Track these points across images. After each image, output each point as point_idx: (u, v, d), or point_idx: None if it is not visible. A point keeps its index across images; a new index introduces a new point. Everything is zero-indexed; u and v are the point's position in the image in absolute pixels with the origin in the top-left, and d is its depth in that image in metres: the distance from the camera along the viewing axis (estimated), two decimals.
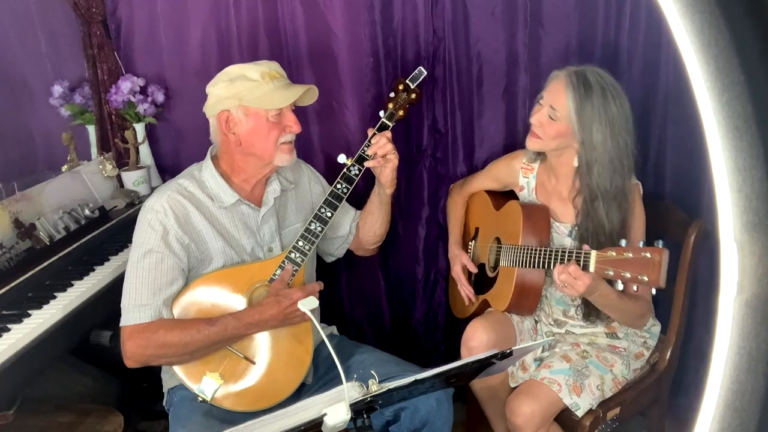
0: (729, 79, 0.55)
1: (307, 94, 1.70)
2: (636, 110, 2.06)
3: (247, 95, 1.61)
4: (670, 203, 1.96)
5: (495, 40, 2.10)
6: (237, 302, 1.63)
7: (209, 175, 1.69)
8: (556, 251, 1.63)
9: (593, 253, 1.47)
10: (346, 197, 1.76)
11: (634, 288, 1.43)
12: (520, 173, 1.93)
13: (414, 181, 2.27)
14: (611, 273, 1.44)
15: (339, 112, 2.19)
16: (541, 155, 1.87)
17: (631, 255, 1.40)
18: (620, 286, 1.45)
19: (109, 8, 2.23)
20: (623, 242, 1.45)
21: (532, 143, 1.77)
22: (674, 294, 1.81)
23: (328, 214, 1.73)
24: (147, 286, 1.57)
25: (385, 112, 1.85)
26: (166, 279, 1.59)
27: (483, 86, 2.16)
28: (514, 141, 2.16)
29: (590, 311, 1.76)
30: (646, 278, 1.37)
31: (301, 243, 1.69)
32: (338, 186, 1.76)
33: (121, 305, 1.59)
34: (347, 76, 2.14)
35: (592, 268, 1.47)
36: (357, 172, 1.77)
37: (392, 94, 1.87)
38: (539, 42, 2.09)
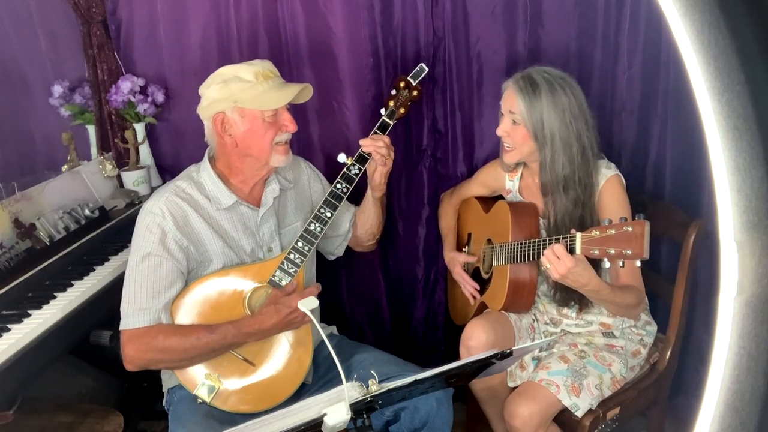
0: (729, 79, 0.55)
1: (302, 92, 1.69)
2: (636, 110, 2.07)
3: (242, 96, 1.60)
4: (670, 203, 1.96)
5: (495, 40, 2.10)
6: (236, 304, 1.63)
7: (207, 177, 1.68)
8: (543, 240, 1.64)
9: (578, 235, 1.48)
10: (345, 197, 1.76)
11: (620, 264, 1.43)
12: (506, 176, 1.96)
13: (414, 181, 2.27)
14: (596, 252, 1.44)
15: (339, 112, 2.19)
16: (519, 163, 1.90)
17: (614, 231, 1.40)
18: (607, 265, 1.45)
19: (109, 8, 2.23)
20: (606, 221, 1.46)
21: (507, 157, 1.82)
22: (674, 294, 1.81)
23: (328, 215, 1.73)
24: (146, 289, 1.57)
25: (386, 110, 1.84)
26: (164, 282, 1.58)
27: (483, 86, 2.16)
28: None
29: (563, 293, 1.77)
30: (629, 252, 1.37)
31: (300, 244, 1.68)
32: (338, 186, 1.76)
33: (121, 309, 1.59)
34: (347, 76, 2.14)
35: (578, 250, 1.47)
36: (357, 171, 1.77)
37: (393, 92, 1.86)
38: (539, 42, 2.09)
